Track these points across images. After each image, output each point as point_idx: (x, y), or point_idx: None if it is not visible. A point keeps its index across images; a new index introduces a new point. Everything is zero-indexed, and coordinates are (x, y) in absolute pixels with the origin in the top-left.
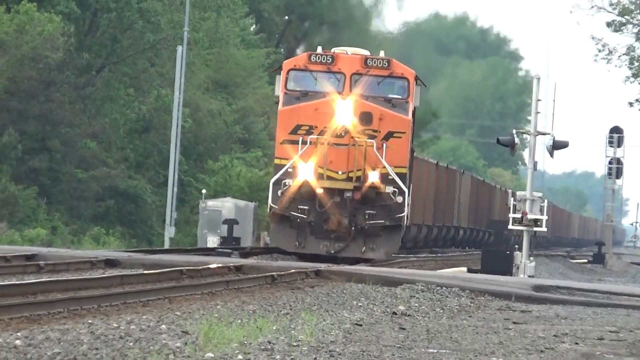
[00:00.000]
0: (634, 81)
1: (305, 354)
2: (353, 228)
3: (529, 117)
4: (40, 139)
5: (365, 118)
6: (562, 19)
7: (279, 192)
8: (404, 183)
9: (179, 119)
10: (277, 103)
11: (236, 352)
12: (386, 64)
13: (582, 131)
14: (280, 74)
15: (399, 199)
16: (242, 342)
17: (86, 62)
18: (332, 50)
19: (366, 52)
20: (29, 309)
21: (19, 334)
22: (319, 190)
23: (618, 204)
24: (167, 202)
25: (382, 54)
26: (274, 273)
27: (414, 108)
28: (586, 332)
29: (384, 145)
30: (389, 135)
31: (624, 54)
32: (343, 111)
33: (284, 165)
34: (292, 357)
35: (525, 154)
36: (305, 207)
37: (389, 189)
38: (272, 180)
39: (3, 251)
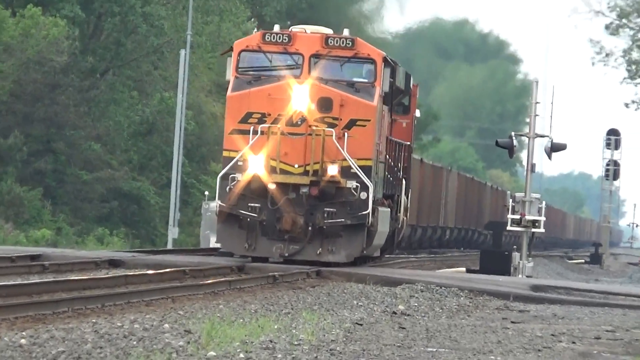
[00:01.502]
0: (630, 82)
1: (307, 352)
2: (310, 228)
3: (527, 120)
4: (46, 141)
5: (325, 104)
6: (561, 23)
7: (227, 188)
8: (369, 177)
9: (182, 122)
10: (227, 88)
11: (238, 350)
12: (350, 43)
13: (580, 133)
14: (231, 56)
15: (363, 194)
16: (244, 341)
17: (90, 65)
18: (290, 29)
19: (329, 31)
20: (34, 308)
21: (24, 333)
22: (271, 186)
23: (615, 205)
24: (170, 204)
25: (346, 32)
26: (275, 273)
27: (410, 104)
28: (583, 332)
29: (346, 134)
30: (352, 124)
31: (620, 56)
32: (299, 97)
33: (233, 158)
34: (293, 355)
35: (524, 155)
36: (256, 205)
37: (351, 184)
38: (219, 175)
39: (8, 252)
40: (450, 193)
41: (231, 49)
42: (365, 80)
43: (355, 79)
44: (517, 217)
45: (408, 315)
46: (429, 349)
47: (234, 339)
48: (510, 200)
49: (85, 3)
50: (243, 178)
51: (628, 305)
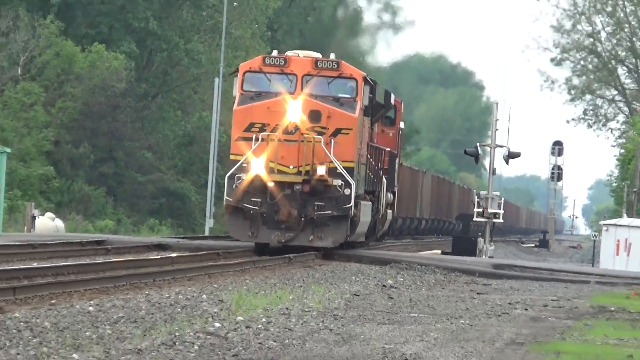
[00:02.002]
0: (570, 104)
1: (315, 317)
2: (302, 218)
3: (489, 133)
4: (108, 151)
5: (315, 116)
6: (516, 57)
7: (234, 186)
8: (351, 176)
9: (216, 135)
10: (234, 103)
11: (261, 316)
12: (336, 65)
13: (531, 143)
14: (237, 76)
15: (346, 191)
16: (265, 308)
17: (144, 90)
18: (286, 53)
19: (318, 55)
20: (99, 282)
21: (91, 302)
22: (270, 184)
23: (558, 200)
24: (207, 200)
25: (332, 56)
26: (290, 255)
27: (396, 117)
28: (534, 301)
29: (332, 141)
30: (337, 132)
31: (563, 83)
32: (293, 110)
33: (238, 161)
34: (304, 320)
35: (487, 161)
36: (257, 200)
37: (337, 182)
38: (227, 175)
39: (79, 238)
40: (425, 190)
41: (237, 70)
42: (348, 96)
43: (340, 95)
44: (481, 210)
45: (395, 288)
46: (412, 315)
47: (257, 307)
48: (476, 197)
49: (139, 41)
50: (247, 177)
51: (569, 280)
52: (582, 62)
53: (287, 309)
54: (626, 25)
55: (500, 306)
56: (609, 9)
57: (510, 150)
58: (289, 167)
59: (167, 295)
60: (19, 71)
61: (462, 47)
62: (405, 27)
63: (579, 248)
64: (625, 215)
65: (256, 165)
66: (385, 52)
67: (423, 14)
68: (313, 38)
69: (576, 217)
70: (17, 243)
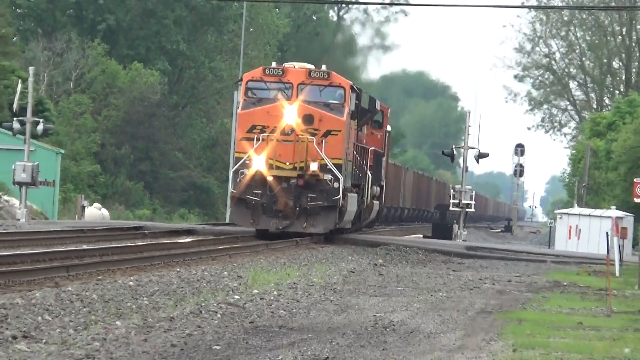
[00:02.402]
0: (530, 113)
1: (318, 290)
2: (297, 208)
3: (463, 137)
4: (145, 151)
5: (308, 119)
6: (486, 73)
7: (238, 180)
8: (340, 172)
9: (235, 138)
10: (238, 108)
11: (272, 289)
12: (326, 75)
13: (498, 146)
14: (241, 85)
15: (335, 184)
16: (277, 283)
17: (175, 101)
18: (283, 65)
19: (311, 66)
20: (138, 261)
21: (132, 278)
22: (270, 178)
23: (520, 193)
24: (227, 193)
25: (324, 67)
26: (297, 239)
27: (383, 122)
28: (500, 277)
29: (323, 141)
30: (327, 133)
31: (524, 96)
32: (290, 114)
33: (242, 158)
34: (309, 293)
35: (461, 161)
36: (258, 192)
37: (327, 177)
38: (232, 170)
39: (121, 224)
40: (407, 184)
41: (241, 80)
42: (337, 102)
43: (330, 101)
44: (456, 201)
45: (384, 266)
46: (398, 288)
47: (269, 282)
48: (452, 190)
49: (171, 60)
50: (249, 172)
51: (529, 260)
52: (540, 78)
53: (294, 283)
54: (577, 47)
55: (472, 281)
56: (563, 33)
57: (480, 151)
58: (285, 164)
59: (194, 272)
60: (71, 85)
61: (440, 65)
62: (393, 48)
63: (537, 233)
64: (576, 205)
65: (257, 162)
66: (376, 68)
67: (408, 37)
68: (316, 57)
69: (535, 207)
70: (69, 229)
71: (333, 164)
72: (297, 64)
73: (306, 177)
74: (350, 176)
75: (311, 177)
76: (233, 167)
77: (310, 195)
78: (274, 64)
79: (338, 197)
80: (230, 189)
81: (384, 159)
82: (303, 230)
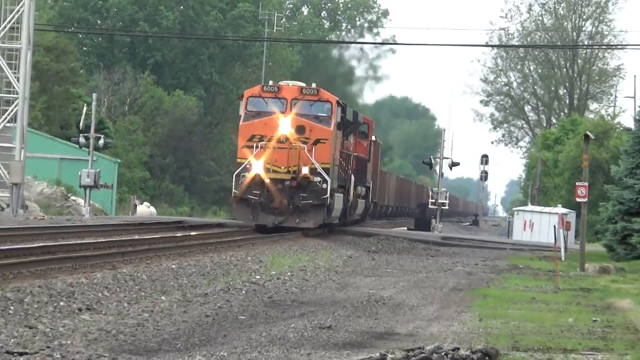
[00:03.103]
0: (493, 131)
1: (323, 271)
2: (291, 206)
3: (439, 150)
4: (185, 161)
5: (300, 129)
6: (458, 99)
7: (240, 182)
8: (328, 174)
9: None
10: (240, 120)
11: (287, 271)
12: (316, 92)
13: (467, 156)
14: (242, 100)
15: (324, 185)
16: (290, 266)
17: (209, 121)
18: (279, 83)
19: (303, 84)
20: (179, 249)
21: (174, 262)
22: (267, 180)
23: (485, 194)
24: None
25: (313, 85)
26: (307, 231)
27: (368, 132)
28: (469, 261)
29: (313, 148)
30: (317, 142)
31: (488, 117)
32: (284, 125)
33: (243, 163)
34: (316, 274)
35: (437, 168)
36: (257, 192)
37: (317, 179)
38: (234, 174)
39: (166, 219)
40: (391, 186)
41: (242, 96)
42: (325, 115)
43: (319, 114)
44: (434, 201)
45: (376, 252)
46: (387, 270)
47: (284, 265)
48: (431, 192)
49: (206, 88)
50: (249, 175)
51: (493, 247)
52: (501, 102)
53: (304, 266)
54: (530, 77)
55: (446, 265)
56: (519, 66)
57: (453, 160)
58: (281, 168)
59: (224, 257)
60: (126, 108)
61: (421, 91)
62: (383, 78)
63: (498, 226)
64: (529, 204)
65: (256, 166)
66: (370, 95)
67: (395, 69)
68: (321, 86)
69: (497, 205)
70: (124, 222)
71: (322, 168)
72: (291, 82)
73: (298, 179)
74: (337, 178)
75: (303, 179)
76: (235, 171)
77: (302, 194)
78: (270, 82)
79: (326, 196)
80: (233, 190)
81: (369, 164)
82: (296, 225)
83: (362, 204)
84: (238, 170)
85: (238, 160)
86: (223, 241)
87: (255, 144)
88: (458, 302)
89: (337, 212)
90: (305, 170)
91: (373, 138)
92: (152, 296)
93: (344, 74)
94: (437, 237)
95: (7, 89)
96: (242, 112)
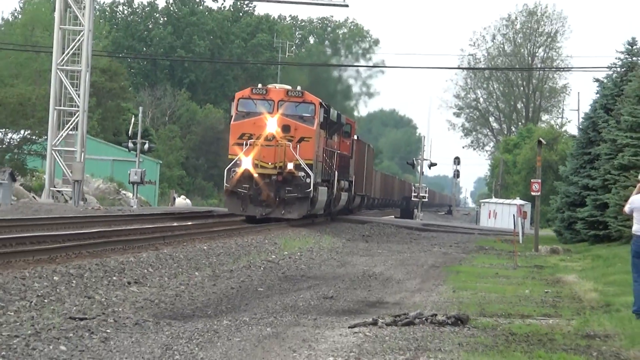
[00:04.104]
0: (464, 138)
1: (326, 252)
2: (277, 199)
3: (420, 153)
4: (214, 162)
5: (286, 129)
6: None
7: (230, 177)
8: (311, 170)
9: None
10: (231, 119)
11: (297, 251)
12: (301, 94)
13: (443, 158)
14: (233, 101)
15: (307, 180)
16: (299, 247)
17: None
18: (267, 86)
19: (289, 87)
20: (209, 233)
21: (205, 244)
22: (255, 175)
23: (457, 189)
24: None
25: (299, 87)
26: (313, 219)
27: (351, 132)
28: (444, 243)
29: (298, 146)
30: (301, 140)
31: (460, 126)
32: (271, 124)
33: (233, 159)
34: (320, 254)
35: (419, 168)
36: (246, 186)
37: (301, 174)
38: (226, 169)
39: (198, 209)
40: (376, 181)
41: (234, 97)
42: (309, 115)
43: (303, 114)
44: (416, 194)
45: (369, 236)
46: (378, 251)
47: (295, 246)
48: (413, 187)
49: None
50: (239, 171)
51: (464, 232)
52: (470, 114)
53: (311, 247)
54: (494, 94)
55: (426, 246)
56: (485, 85)
57: (431, 161)
58: (268, 164)
59: (246, 240)
60: (166, 119)
61: (406, 105)
62: (375, 94)
63: (468, 215)
64: (493, 197)
65: (246, 162)
66: (364, 108)
67: (385, 87)
68: (324, 100)
69: (467, 198)
70: (165, 212)
71: (306, 163)
72: (278, 85)
73: (284, 174)
74: (321, 173)
75: (288, 174)
76: (227, 167)
77: (287, 188)
78: (260, 85)
79: (309, 190)
80: (225, 183)
81: (351, 160)
82: (282, 216)
83: (345, 196)
84: (229, 166)
85: (229, 156)
86: (245, 227)
87: (244, 142)
88: (436, 277)
89: (321, 204)
90: (290, 166)
91: (355, 137)
92: (188, 272)
93: (343, 90)
94: (418, 224)
95: (70, 103)
96: (233, 112)
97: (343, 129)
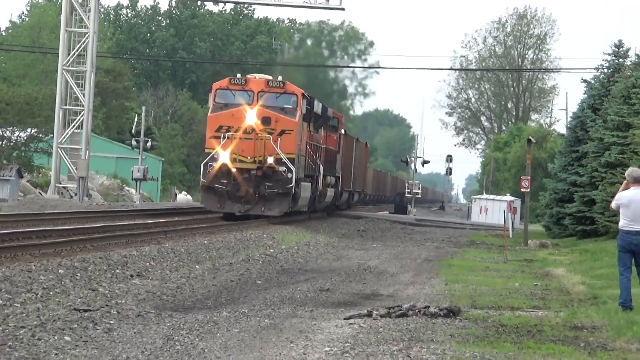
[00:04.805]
0: (455, 136)
1: (322, 246)
2: (257, 195)
3: (414, 151)
4: None
5: (266, 121)
6: (429, 110)
7: (207, 171)
8: (293, 164)
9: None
10: (208, 111)
11: (294, 245)
12: (282, 84)
13: (436, 155)
14: (211, 92)
15: (289, 175)
16: (297, 242)
17: None
18: (247, 76)
19: (269, 77)
20: (210, 228)
21: (206, 238)
22: (233, 170)
23: (450, 185)
24: None
25: (280, 78)
26: (310, 214)
27: (338, 126)
28: (437, 237)
29: (279, 139)
30: (282, 132)
31: (452, 125)
32: (251, 116)
33: (210, 153)
34: (317, 248)
35: (412, 165)
36: (224, 181)
37: (282, 168)
38: (202, 163)
39: (199, 205)
40: (369, 177)
41: (211, 88)
42: (291, 106)
43: (285, 106)
44: (410, 190)
45: (364, 231)
46: (373, 245)
47: (292, 241)
48: (407, 184)
49: None
50: (216, 165)
51: (456, 227)
52: (462, 114)
53: (308, 242)
54: (485, 94)
55: (419, 240)
56: (476, 85)
57: (424, 159)
58: (247, 158)
59: (245, 234)
60: (168, 118)
61: (400, 105)
62: (370, 94)
63: (460, 211)
64: (484, 193)
65: (223, 156)
66: (359, 108)
67: (379, 87)
68: (321, 100)
69: (459, 194)
70: (167, 208)
71: (287, 158)
72: (258, 75)
73: (264, 169)
74: (304, 168)
75: (268, 168)
76: (203, 161)
77: (267, 184)
78: (238, 75)
79: (291, 185)
80: (201, 178)
81: (338, 155)
82: (261, 213)
83: (332, 192)
84: (205, 160)
85: (206, 150)
86: (245, 222)
87: (222, 135)
88: (428, 270)
89: (304, 201)
90: (270, 160)
91: (343, 132)
92: (189, 265)
93: (339, 90)
94: (412, 219)
95: (75, 102)
96: (210, 103)
97: (330, 122)
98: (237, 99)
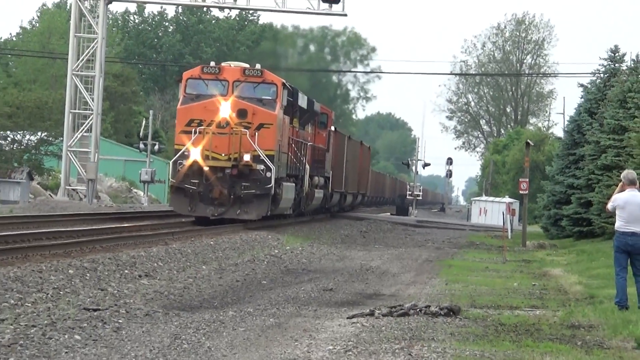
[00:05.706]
0: (456, 139)
1: (326, 246)
2: (232, 196)
3: (415, 154)
4: None
5: (242, 113)
6: (429, 114)
7: (177, 170)
8: (272, 162)
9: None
10: (178, 103)
11: (298, 246)
12: (260, 73)
13: (437, 158)
14: (181, 82)
15: (268, 174)
16: (301, 243)
17: None
18: (221, 64)
19: (246, 65)
20: (216, 229)
21: (212, 239)
22: (206, 168)
23: (450, 187)
24: None
25: (258, 66)
26: (312, 216)
27: (327, 123)
28: (437, 239)
29: (256, 133)
30: (260, 126)
31: (452, 129)
32: (225, 108)
33: (180, 150)
34: (320, 248)
35: (414, 168)
36: (195, 181)
37: (260, 167)
38: (171, 161)
39: None
40: (371, 179)
41: (181, 78)
42: (270, 98)
43: (263, 97)
44: (411, 192)
45: (367, 232)
46: (375, 246)
47: (296, 242)
48: (408, 186)
49: None
50: (187, 163)
51: (456, 228)
52: (461, 118)
53: (312, 243)
54: (484, 98)
55: (420, 241)
56: (476, 90)
57: (425, 162)
58: (221, 155)
59: (251, 235)
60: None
61: (401, 109)
62: (372, 98)
63: (460, 212)
64: (484, 195)
65: (194, 153)
66: (361, 112)
67: (381, 91)
68: (324, 104)
69: (459, 196)
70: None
71: (266, 155)
72: (233, 63)
73: (240, 167)
74: (286, 167)
75: (244, 167)
76: (172, 159)
77: (243, 184)
78: (212, 63)
79: (270, 185)
80: (169, 178)
81: (328, 154)
82: (237, 217)
83: (321, 194)
84: (175, 158)
85: (175, 146)
86: (250, 224)
87: (193, 129)
88: (429, 271)
89: (287, 203)
90: (247, 157)
91: (333, 128)
92: (195, 266)
93: (342, 94)
94: (413, 221)
95: (85, 107)
96: (180, 95)
97: (318, 118)
98: (210, 89)
